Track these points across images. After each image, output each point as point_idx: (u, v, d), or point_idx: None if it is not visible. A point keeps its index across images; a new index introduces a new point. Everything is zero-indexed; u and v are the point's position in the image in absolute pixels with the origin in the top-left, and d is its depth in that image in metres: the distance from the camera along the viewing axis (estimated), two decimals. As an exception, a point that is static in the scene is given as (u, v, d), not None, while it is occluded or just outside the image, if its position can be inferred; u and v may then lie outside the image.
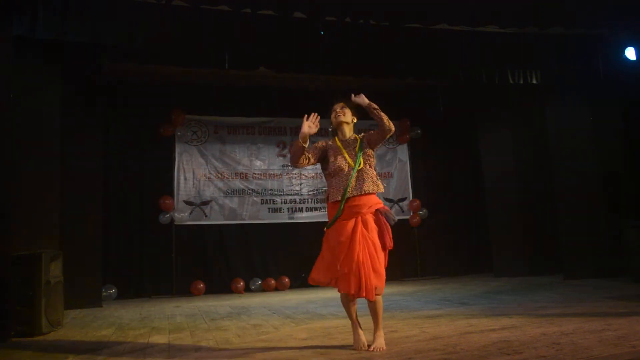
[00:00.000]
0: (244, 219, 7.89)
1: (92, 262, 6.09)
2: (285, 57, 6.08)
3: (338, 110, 3.41)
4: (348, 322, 4.27)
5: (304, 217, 8.12)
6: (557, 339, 3.11)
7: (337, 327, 3.98)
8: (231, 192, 7.90)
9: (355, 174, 3.21)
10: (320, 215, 8.16)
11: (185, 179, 7.73)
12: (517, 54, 6.50)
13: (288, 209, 8.08)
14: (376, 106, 3.30)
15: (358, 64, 6.43)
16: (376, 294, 3.06)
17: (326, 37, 5.70)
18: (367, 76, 7.34)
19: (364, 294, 3.00)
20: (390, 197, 8.60)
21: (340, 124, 3.40)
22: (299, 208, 8.13)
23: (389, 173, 8.69)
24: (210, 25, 5.49)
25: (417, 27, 5.92)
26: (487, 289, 6.32)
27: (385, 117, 3.26)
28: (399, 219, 9.38)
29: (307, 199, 8.18)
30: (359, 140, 3.36)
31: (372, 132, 3.37)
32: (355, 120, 3.47)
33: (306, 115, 3.26)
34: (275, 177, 8.13)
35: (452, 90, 8.37)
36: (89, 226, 6.15)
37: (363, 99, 3.32)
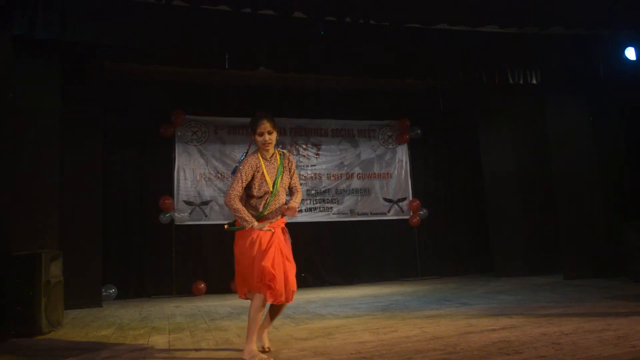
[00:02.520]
0: (244, 219, 7.87)
1: (92, 262, 6.09)
2: (285, 57, 6.08)
3: (266, 134, 3.25)
4: (348, 321, 4.29)
5: (303, 217, 8.11)
6: (557, 339, 3.11)
7: (337, 327, 3.98)
8: (231, 192, 7.88)
9: (275, 192, 3.26)
10: (319, 215, 8.17)
11: (185, 179, 7.73)
12: (517, 54, 6.50)
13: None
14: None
15: (358, 64, 6.43)
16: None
17: (326, 37, 5.70)
18: (367, 76, 7.36)
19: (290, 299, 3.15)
20: (390, 197, 8.60)
21: (266, 150, 3.30)
22: (298, 208, 8.12)
23: (388, 173, 8.69)
24: (210, 25, 5.49)
25: (417, 27, 5.92)
26: (487, 289, 6.32)
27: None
28: (399, 219, 9.39)
29: (306, 200, 8.17)
30: (278, 157, 3.35)
31: (293, 171, 3.41)
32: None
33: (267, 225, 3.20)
34: (275, 177, 8.12)
35: (452, 90, 8.38)
36: (89, 226, 6.15)
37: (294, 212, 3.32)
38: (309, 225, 8.09)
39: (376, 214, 8.48)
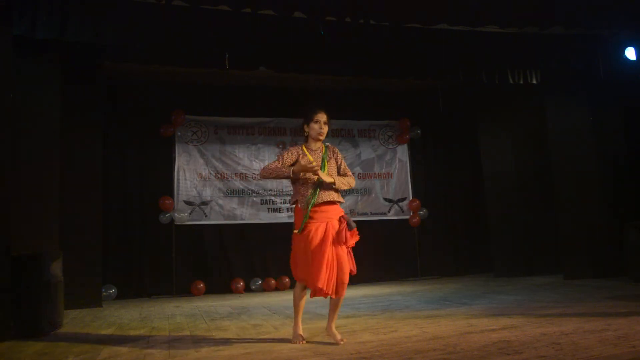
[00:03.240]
0: (244, 219, 7.89)
1: (92, 262, 6.08)
2: (285, 57, 6.08)
3: (323, 124, 3.46)
4: (348, 321, 4.29)
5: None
6: (557, 339, 3.11)
7: (338, 327, 3.98)
8: (231, 193, 7.90)
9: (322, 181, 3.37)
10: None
11: (185, 179, 7.73)
12: (517, 54, 6.50)
13: (288, 209, 8.08)
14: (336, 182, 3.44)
15: (358, 64, 6.43)
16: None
17: (326, 37, 5.69)
18: (367, 76, 7.36)
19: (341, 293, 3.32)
20: (390, 197, 8.60)
21: (318, 140, 3.48)
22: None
23: (388, 173, 8.69)
24: (210, 25, 5.49)
25: (417, 27, 5.92)
26: (487, 289, 6.32)
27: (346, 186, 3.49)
28: (399, 219, 9.40)
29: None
30: (323, 148, 3.50)
31: (340, 162, 3.55)
32: None
33: (313, 164, 3.34)
34: (275, 177, 8.12)
35: (452, 90, 8.38)
36: (89, 226, 6.14)
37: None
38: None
39: (376, 213, 8.48)
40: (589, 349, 2.82)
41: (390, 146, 8.77)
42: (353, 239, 3.39)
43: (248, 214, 7.91)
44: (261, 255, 7.90)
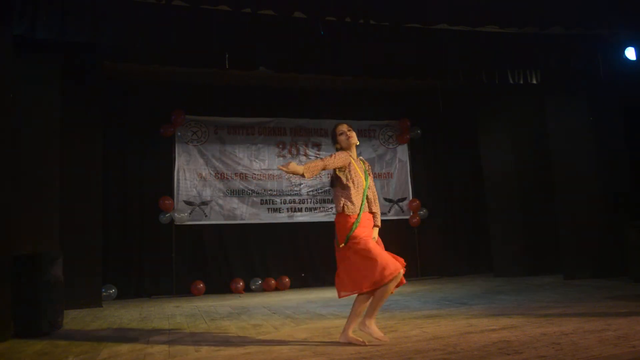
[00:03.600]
0: (244, 219, 7.89)
1: (92, 262, 6.09)
2: (285, 57, 6.08)
3: (347, 132, 3.54)
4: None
5: (303, 217, 8.12)
6: (557, 339, 3.11)
7: (337, 327, 3.98)
8: (231, 192, 7.90)
9: (367, 189, 3.46)
10: (319, 215, 8.17)
11: (185, 179, 7.73)
12: (517, 54, 6.50)
13: (287, 209, 8.08)
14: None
15: (358, 64, 6.43)
16: None
17: (326, 37, 5.69)
18: (367, 76, 7.36)
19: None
20: (390, 197, 8.60)
21: (351, 145, 3.54)
22: (298, 208, 8.13)
23: (389, 173, 8.69)
24: (210, 25, 5.49)
25: (417, 27, 5.92)
26: (487, 289, 6.32)
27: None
28: (399, 219, 9.39)
29: (307, 199, 8.18)
30: (362, 162, 3.59)
31: (371, 174, 3.61)
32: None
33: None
34: (275, 178, 8.13)
35: (452, 90, 8.38)
36: (89, 226, 6.15)
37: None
38: (309, 225, 8.10)
39: (376, 214, 8.47)
40: (589, 349, 2.82)
41: (391, 146, 8.77)
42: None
43: (248, 214, 7.91)
44: (261, 255, 7.90)
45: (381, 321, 4.20)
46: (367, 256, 3.22)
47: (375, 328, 3.29)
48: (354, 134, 3.55)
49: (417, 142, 8.92)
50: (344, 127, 3.57)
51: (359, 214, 3.35)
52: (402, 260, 3.31)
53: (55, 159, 5.49)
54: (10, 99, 4.49)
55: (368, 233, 3.39)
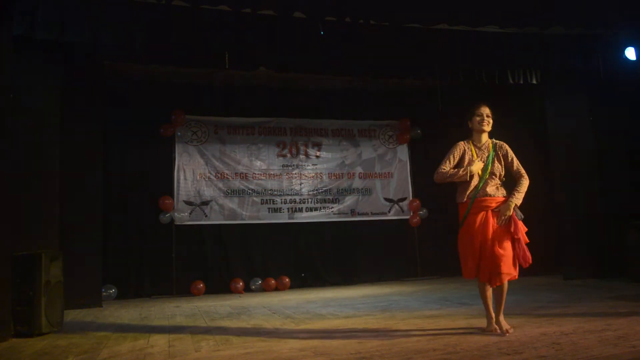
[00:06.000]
0: (244, 219, 7.89)
1: (92, 262, 6.08)
2: (285, 57, 6.08)
3: (485, 117, 3.61)
4: (348, 321, 4.29)
5: (303, 217, 8.12)
6: (557, 339, 3.11)
7: (337, 327, 3.98)
8: (231, 192, 7.90)
9: (486, 177, 3.50)
10: (320, 215, 8.17)
11: (185, 179, 7.73)
12: (517, 54, 6.49)
13: (288, 209, 8.08)
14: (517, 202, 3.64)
15: (358, 64, 6.43)
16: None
17: (326, 37, 5.69)
18: (367, 76, 7.36)
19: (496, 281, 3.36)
20: (391, 197, 8.60)
21: (482, 131, 3.56)
22: (298, 208, 8.13)
23: (389, 173, 8.69)
24: (210, 25, 5.49)
25: (417, 27, 5.92)
26: (487, 289, 6.31)
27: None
28: (399, 219, 9.38)
29: (307, 199, 8.17)
30: (490, 145, 3.61)
31: (511, 158, 3.69)
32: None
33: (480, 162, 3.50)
34: (275, 177, 8.13)
35: (452, 91, 8.38)
36: (89, 226, 6.14)
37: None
38: (309, 225, 8.10)
39: (377, 213, 8.48)
40: (589, 349, 2.82)
41: (391, 146, 8.77)
42: (521, 229, 3.56)
43: (248, 214, 7.91)
44: (261, 255, 7.89)
45: (381, 321, 4.21)
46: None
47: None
48: (489, 122, 3.61)
49: (418, 142, 8.91)
50: (486, 110, 3.63)
51: (470, 203, 3.48)
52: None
53: (55, 159, 5.49)
54: (11, 99, 4.49)
55: (480, 218, 3.54)
